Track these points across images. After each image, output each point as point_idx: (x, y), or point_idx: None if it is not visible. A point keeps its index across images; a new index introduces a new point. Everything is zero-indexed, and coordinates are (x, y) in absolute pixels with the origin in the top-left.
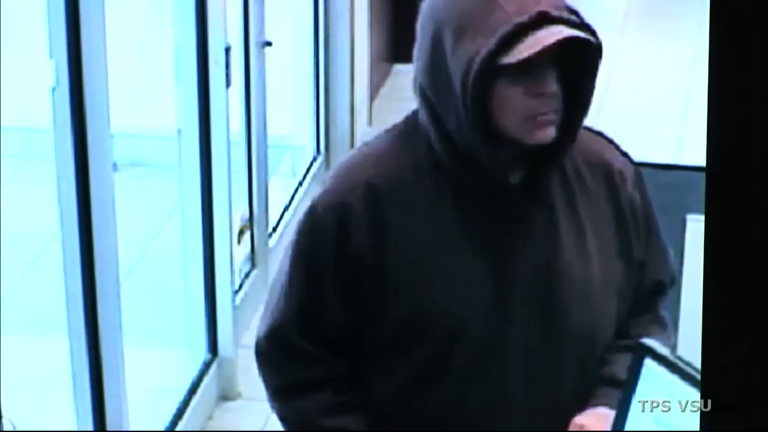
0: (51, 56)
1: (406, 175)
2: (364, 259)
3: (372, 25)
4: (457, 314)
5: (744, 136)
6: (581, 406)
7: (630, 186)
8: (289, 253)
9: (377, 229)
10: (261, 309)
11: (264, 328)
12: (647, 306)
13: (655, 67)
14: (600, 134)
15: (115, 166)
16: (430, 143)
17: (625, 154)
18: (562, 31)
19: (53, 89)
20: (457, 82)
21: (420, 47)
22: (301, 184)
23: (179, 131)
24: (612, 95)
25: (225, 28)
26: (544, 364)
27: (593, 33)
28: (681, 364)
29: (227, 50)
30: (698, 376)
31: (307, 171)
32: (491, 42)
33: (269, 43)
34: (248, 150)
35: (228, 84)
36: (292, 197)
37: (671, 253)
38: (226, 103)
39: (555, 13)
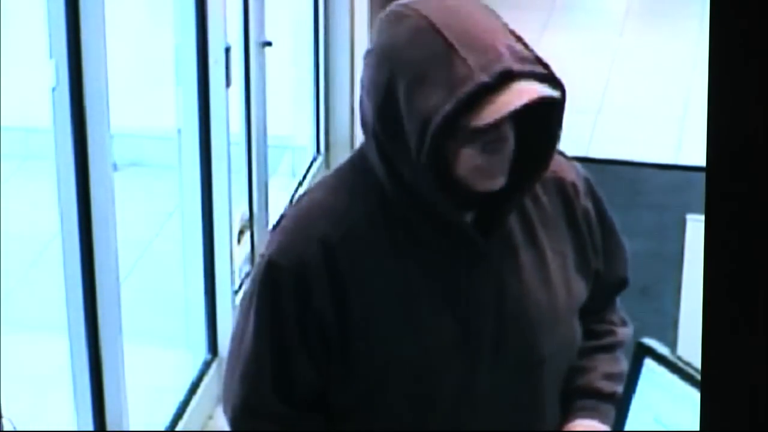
0: (51, 56)
1: (360, 225)
2: (324, 316)
3: (372, 25)
4: (422, 361)
5: (744, 136)
6: (560, 423)
7: (583, 196)
8: (251, 315)
9: (335, 286)
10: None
11: (239, 397)
12: (608, 303)
13: (655, 66)
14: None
15: (115, 166)
16: (381, 185)
17: (573, 163)
18: (526, 91)
19: (53, 89)
20: (412, 135)
21: (371, 87)
22: (301, 184)
23: (179, 131)
24: (612, 95)
25: (225, 28)
26: (520, 395)
27: (558, 83)
28: (681, 364)
29: (227, 50)
30: (698, 376)
31: (307, 171)
32: (452, 101)
33: (269, 43)
34: (248, 150)
35: (228, 84)
36: (292, 197)
37: (626, 247)
38: (226, 103)
39: (517, 68)
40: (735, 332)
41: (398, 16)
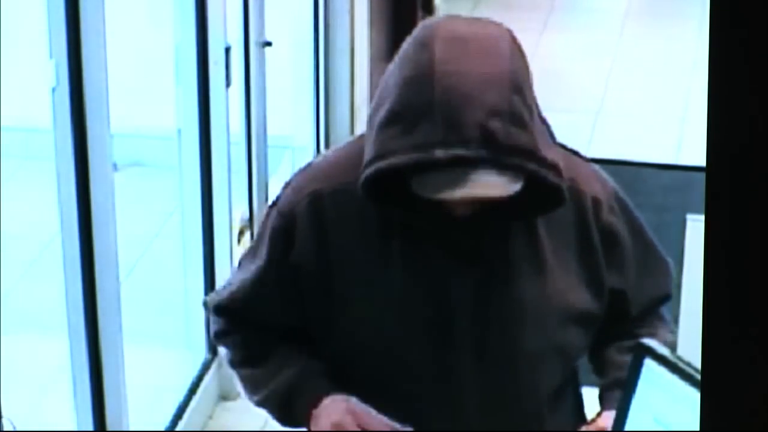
0: (51, 56)
1: (352, 188)
2: (305, 267)
3: (372, 25)
4: (396, 336)
5: (744, 136)
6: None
7: (606, 212)
8: (251, 252)
9: (320, 242)
10: None
11: (224, 294)
12: (649, 314)
13: (655, 66)
14: (575, 153)
15: (115, 166)
16: None
17: (605, 182)
18: (479, 187)
19: (53, 89)
20: (367, 145)
21: (383, 96)
22: None
23: (179, 131)
24: (612, 95)
25: (225, 28)
26: (500, 391)
27: (547, 164)
28: (681, 364)
29: (227, 50)
30: (698, 376)
31: None
32: (399, 158)
33: (269, 43)
34: (248, 150)
35: (228, 84)
36: None
37: (670, 262)
38: (226, 103)
39: (478, 155)
40: (735, 332)
41: (423, 45)
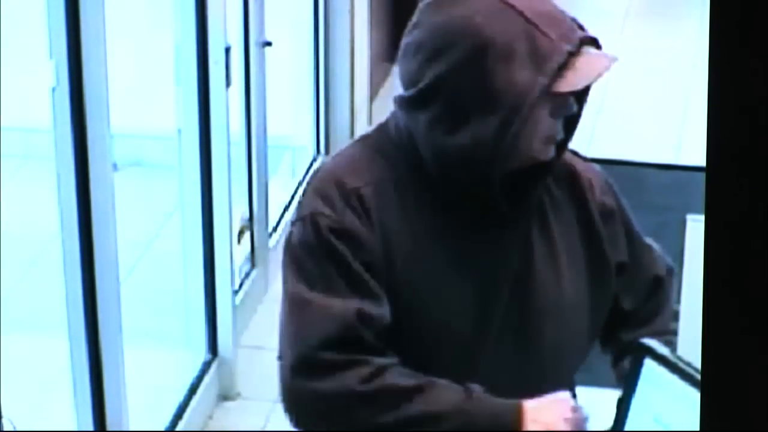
0: (51, 56)
1: (388, 184)
2: (376, 257)
3: (372, 25)
4: (437, 321)
5: (744, 136)
6: None
7: (599, 193)
8: (303, 275)
9: (376, 232)
10: (260, 310)
11: (299, 351)
12: (648, 303)
13: (655, 66)
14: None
15: (115, 166)
16: (410, 157)
17: (589, 163)
18: (604, 59)
19: (53, 89)
20: (500, 109)
21: (442, 61)
22: (300, 184)
23: (179, 131)
24: (612, 95)
25: (225, 28)
26: (520, 381)
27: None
28: (681, 364)
29: (227, 50)
30: (698, 376)
31: (307, 171)
32: (547, 72)
33: (269, 43)
34: (248, 150)
35: (228, 84)
36: (292, 197)
37: (656, 247)
38: (226, 103)
39: (585, 36)
40: (735, 332)
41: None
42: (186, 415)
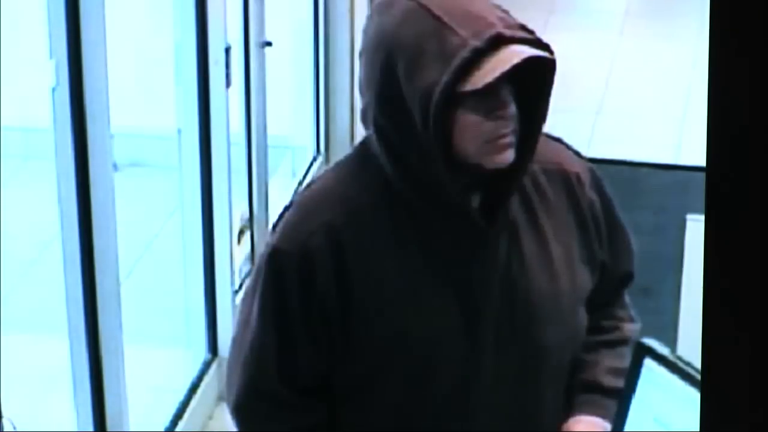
0: (51, 56)
1: (365, 212)
2: (328, 301)
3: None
4: (427, 344)
5: (744, 136)
6: (563, 417)
7: (588, 188)
8: (255, 303)
9: (340, 271)
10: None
11: (241, 385)
12: (615, 297)
13: (655, 67)
14: (556, 139)
15: (115, 166)
16: (385, 175)
17: (579, 156)
18: (519, 53)
19: (53, 89)
20: (416, 112)
21: (369, 77)
22: (300, 184)
23: (179, 131)
24: (612, 95)
25: (225, 28)
26: (522, 384)
27: (548, 48)
28: (681, 364)
29: (227, 50)
30: (698, 376)
31: (307, 171)
32: (450, 69)
33: (269, 43)
34: (248, 150)
35: (228, 84)
36: (292, 197)
37: (632, 240)
38: (226, 103)
39: (508, 33)
40: (735, 332)
41: (387, 4)
42: (186, 415)
